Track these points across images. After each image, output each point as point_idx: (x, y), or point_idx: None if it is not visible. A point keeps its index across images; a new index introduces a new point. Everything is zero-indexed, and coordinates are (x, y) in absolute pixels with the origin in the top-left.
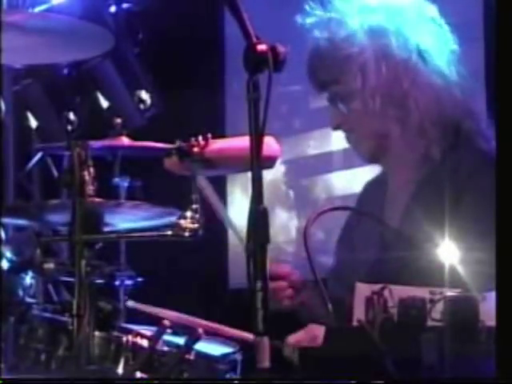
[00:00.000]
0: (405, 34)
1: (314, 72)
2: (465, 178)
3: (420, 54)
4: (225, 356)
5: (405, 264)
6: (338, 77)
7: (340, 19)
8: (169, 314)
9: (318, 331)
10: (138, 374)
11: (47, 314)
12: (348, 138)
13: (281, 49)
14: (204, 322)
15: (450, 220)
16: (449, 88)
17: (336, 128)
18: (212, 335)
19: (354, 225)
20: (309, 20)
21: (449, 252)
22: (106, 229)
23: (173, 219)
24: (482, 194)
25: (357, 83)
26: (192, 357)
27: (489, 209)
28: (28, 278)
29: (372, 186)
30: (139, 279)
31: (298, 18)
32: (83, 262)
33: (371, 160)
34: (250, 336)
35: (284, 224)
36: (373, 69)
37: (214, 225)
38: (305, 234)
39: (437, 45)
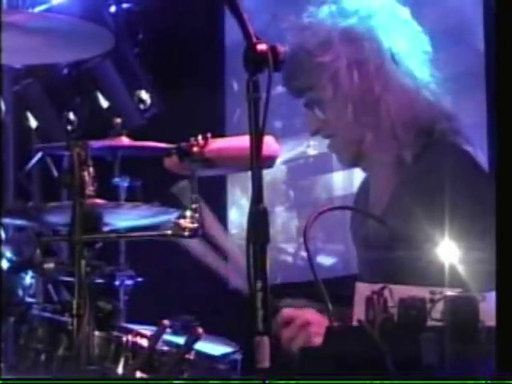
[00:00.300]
0: (377, 38)
1: (288, 78)
2: (443, 176)
3: (393, 57)
4: (225, 356)
5: (403, 263)
6: (312, 83)
7: (313, 25)
8: None
9: (312, 317)
10: (138, 374)
11: (47, 314)
12: (327, 144)
13: (281, 49)
14: None
15: (431, 219)
16: (421, 90)
17: (314, 134)
18: None
19: (356, 225)
20: (283, 25)
21: (448, 252)
22: (106, 229)
23: (172, 219)
24: (464, 192)
25: (329, 90)
26: (192, 357)
27: (471, 206)
28: (28, 278)
29: (360, 190)
30: (139, 279)
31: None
32: (83, 262)
33: (350, 164)
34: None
35: (284, 224)
36: (345, 76)
37: None
38: (305, 234)
39: (410, 47)
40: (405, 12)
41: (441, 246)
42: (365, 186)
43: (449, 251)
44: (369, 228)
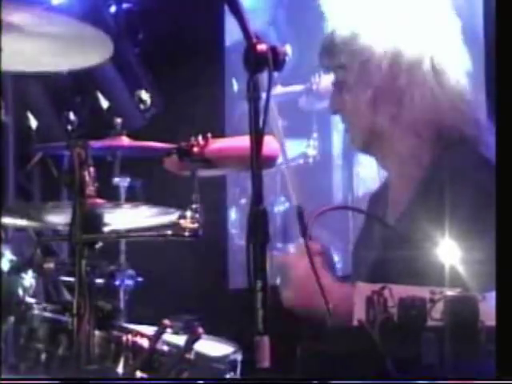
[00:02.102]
0: (418, 38)
1: (323, 52)
2: (463, 180)
3: (433, 65)
4: (225, 356)
5: (405, 264)
6: (342, 63)
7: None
8: None
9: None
10: (138, 374)
11: (47, 314)
12: (345, 125)
13: (281, 49)
14: None
15: (449, 220)
16: (454, 99)
17: (334, 112)
18: None
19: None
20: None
21: (448, 251)
22: (106, 229)
23: (173, 219)
24: (480, 196)
25: (355, 73)
26: (192, 357)
27: (488, 210)
28: (28, 278)
29: (375, 195)
30: (139, 279)
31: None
32: (83, 262)
33: (362, 149)
34: None
35: (284, 224)
36: (375, 63)
37: (214, 225)
38: (305, 234)
39: (452, 61)
40: (456, 25)
41: (457, 248)
42: (384, 187)
43: (462, 252)
44: (374, 228)
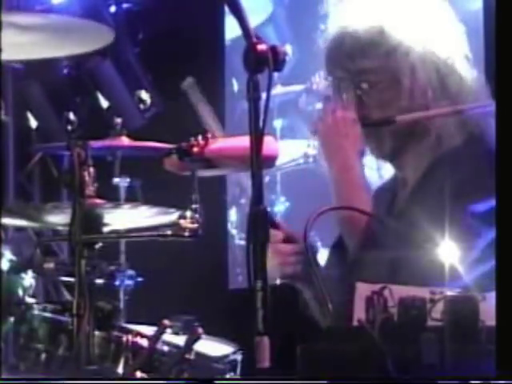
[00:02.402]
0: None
1: (345, 58)
2: (466, 179)
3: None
4: (225, 356)
5: (405, 263)
6: (364, 67)
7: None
8: None
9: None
10: (138, 374)
11: (47, 314)
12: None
13: (281, 49)
14: None
15: (450, 220)
16: (453, 92)
17: (366, 125)
18: None
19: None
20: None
21: (449, 251)
22: (106, 229)
23: (173, 219)
24: (482, 196)
25: (388, 79)
26: (192, 357)
27: (489, 210)
28: (28, 278)
29: (380, 190)
30: (139, 279)
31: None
32: (83, 262)
33: (385, 157)
34: None
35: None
36: (409, 69)
37: (214, 225)
38: (305, 234)
39: (450, 52)
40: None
41: (457, 248)
42: (390, 183)
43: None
44: (375, 228)
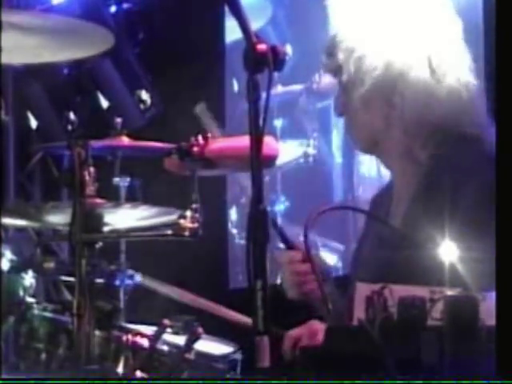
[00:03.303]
0: (415, 36)
1: (327, 53)
2: (464, 179)
3: (430, 64)
4: (225, 356)
5: (405, 263)
6: (340, 64)
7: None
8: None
9: (318, 327)
10: (138, 374)
11: (47, 314)
12: (347, 127)
13: (281, 49)
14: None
15: (450, 220)
16: (447, 91)
17: (339, 115)
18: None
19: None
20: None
21: (449, 251)
22: (106, 229)
23: (173, 219)
24: (480, 195)
25: (350, 73)
26: (192, 356)
27: (488, 209)
28: (28, 278)
29: (379, 196)
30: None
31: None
32: (83, 262)
33: (364, 150)
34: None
35: (284, 224)
36: (368, 62)
37: (214, 225)
38: (305, 234)
39: (453, 58)
40: (456, 23)
41: (458, 247)
42: (389, 186)
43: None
44: (375, 227)
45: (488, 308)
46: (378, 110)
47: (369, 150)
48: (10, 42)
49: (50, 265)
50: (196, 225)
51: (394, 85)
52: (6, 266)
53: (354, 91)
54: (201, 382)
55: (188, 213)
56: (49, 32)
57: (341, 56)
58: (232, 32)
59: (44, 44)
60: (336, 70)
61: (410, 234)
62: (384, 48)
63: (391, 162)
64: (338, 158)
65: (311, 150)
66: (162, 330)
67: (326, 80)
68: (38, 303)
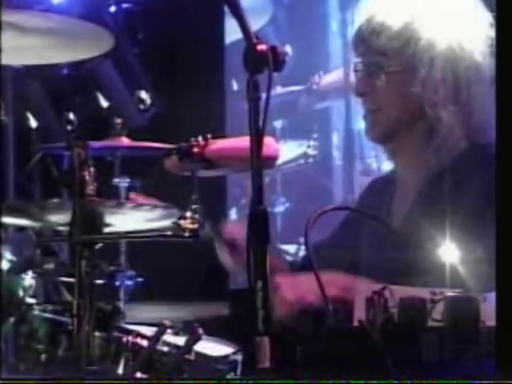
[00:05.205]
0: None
1: (370, 35)
2: (471, 182)
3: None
4: (225, 356)
5: (406, 264)
6: (390, 51)
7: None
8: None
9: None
10: (139, 375)
11: (47, 315)
12: (363, 115)
13: (281, 49)
14: None
15: (452, 221)
16: (478, 93)
17: (359, 95)
18: None
19: (357, 224)
20: None
21: (450, 252)
22: (106, 229)
23: (172, 219)
24: (485, 196)
25: (392, 61)
26: (192, 357)
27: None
28: (28, 279)
29: (379, 185)
30: (139, 279)
31: None
32: (83, 262)
33: (378, 140)
34: None
35: (284, 224)
36: (428, 61)
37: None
38: (305, 235)
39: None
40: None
41: (458, 247)
42: (386, 182)
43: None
44: (375, 227)
45: (488, 309)
46: (413, 110)
47: (384, 139)
48: (10, 42)
49: (50, 265)
50: (196, 225)
51: (441, 80)
52: (5, 266)
53: (397, 82)
54: (201, 382)
55: (188, 213)
56: (49, 32)
57: (385, 42)
58: (232, 32)
59: (44, 44)
60: (373, 54)
61: (410, 234)
62: (436, 41)
63: (402, 156)
64: (338, 158)
65: (311, 151)
66: (162, 330)
67: (326, 80)
68: (37, 304)
